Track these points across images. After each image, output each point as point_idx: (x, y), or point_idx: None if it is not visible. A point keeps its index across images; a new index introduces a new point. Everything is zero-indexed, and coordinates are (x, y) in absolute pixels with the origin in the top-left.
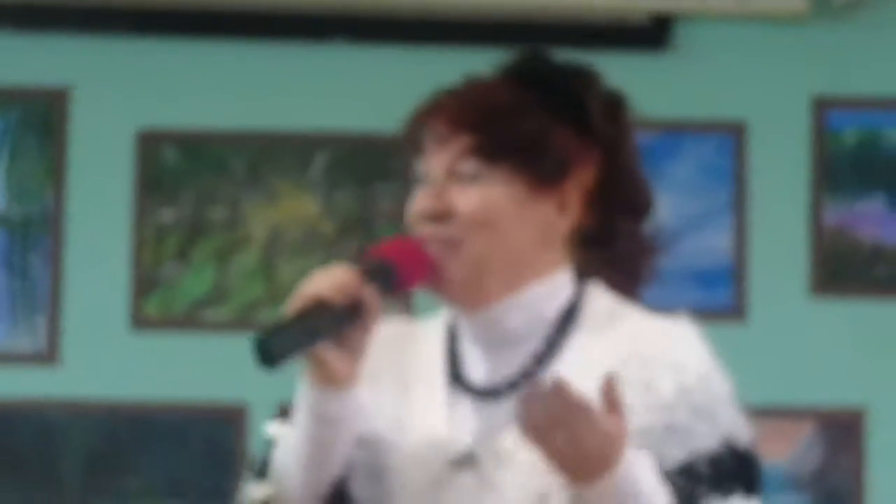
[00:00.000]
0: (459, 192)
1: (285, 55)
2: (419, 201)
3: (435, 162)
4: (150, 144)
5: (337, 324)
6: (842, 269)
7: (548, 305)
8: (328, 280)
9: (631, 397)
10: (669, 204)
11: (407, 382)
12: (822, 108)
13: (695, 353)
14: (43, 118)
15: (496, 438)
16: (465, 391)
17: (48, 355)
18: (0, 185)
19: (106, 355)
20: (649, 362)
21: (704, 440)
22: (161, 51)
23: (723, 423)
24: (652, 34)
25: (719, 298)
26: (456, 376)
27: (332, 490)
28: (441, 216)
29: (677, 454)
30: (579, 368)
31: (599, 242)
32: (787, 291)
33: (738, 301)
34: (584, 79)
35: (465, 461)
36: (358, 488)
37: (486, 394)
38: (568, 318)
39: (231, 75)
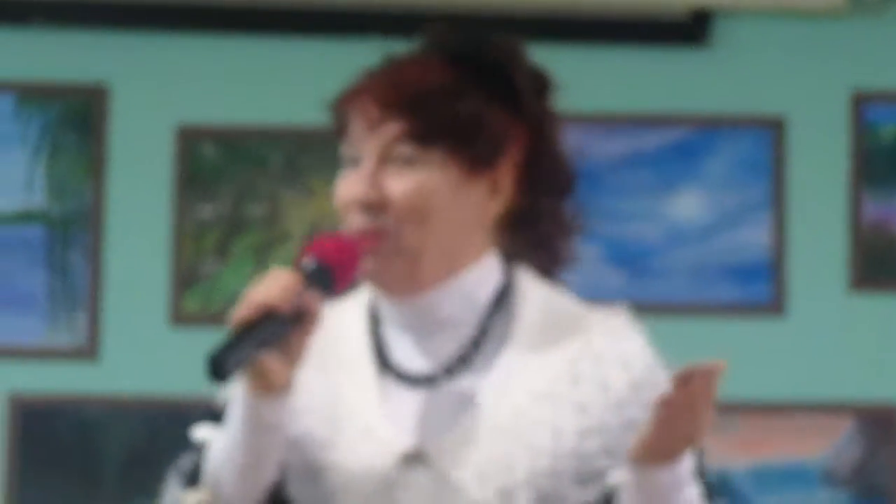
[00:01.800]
0: (393, 179)
1: (324, 51)
2: (351, 187)
3: (366, 146)
4: (189, 140)
5: (282, 331)
6: (881, 264)
7: (480, 290)
8: (274, 286)
9: (588, 394)
10: (707, 199)
11: (331, 372)
12: (861, 102)
13: (639, 347)
14: (82, 115)
15: (446, 433)
16: (397, 379)
17: (88, 351)
18: (39, 182)
19: (146, 351)
20: (602, 359)
21: None
22: (199, 47)
23: None
24: (690, 29)
25: (758, 294)
26: (384, 363)
27: (268, 496)
28: (374, 205)
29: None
30: (529, 364)
31: (524, 223)
32: (826, 286)
33: (777, 296)
34: (512, 56)
35: (415, 458)
36: (295, 490)
37: (422, 382)
38: (500, 303)
39: (270, 71)
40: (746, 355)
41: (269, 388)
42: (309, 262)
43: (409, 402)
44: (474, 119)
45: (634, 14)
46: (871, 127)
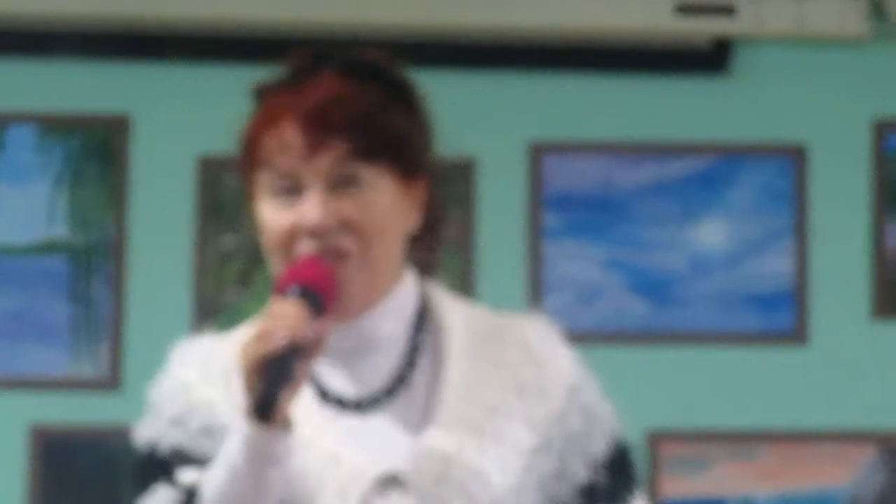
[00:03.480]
0: (347, 201)
1: None
2: (304, 213)
3: (307, 170)
4: (211, 170)
5: (297, 362)
6: None
7: (408, 306)
8: (292, 318)
9: (533, 406)
10: (730, 227)
11: None
12: (883, 130)
13: (567, 351)
14: (104, 145)
15: (412, 453)
16: (338, 406)
17: (110, 382)
18: (62, 213)
19: None
20: (541, 364)
21: (598, 445)
22: (221, 77)
23: (605, 419)
24: (711, 58)
25: (780, 322)
26: (321, 392)
27: None
28: (332, 229)
29: (580, 470)
30: (472, 376)
31: (419, 242)
32: (849, 315)
33: (800, 325)
34: (399, 69)
35: (391, 481)
36: None
37: (364, 405)
38: (422, 319)
39: None
40: (769, 384)
41: (279, 420)
42: (294, 289)
43: (356, 427)
44: (405, 131)
45: (656, 43)
46: (892, 154)
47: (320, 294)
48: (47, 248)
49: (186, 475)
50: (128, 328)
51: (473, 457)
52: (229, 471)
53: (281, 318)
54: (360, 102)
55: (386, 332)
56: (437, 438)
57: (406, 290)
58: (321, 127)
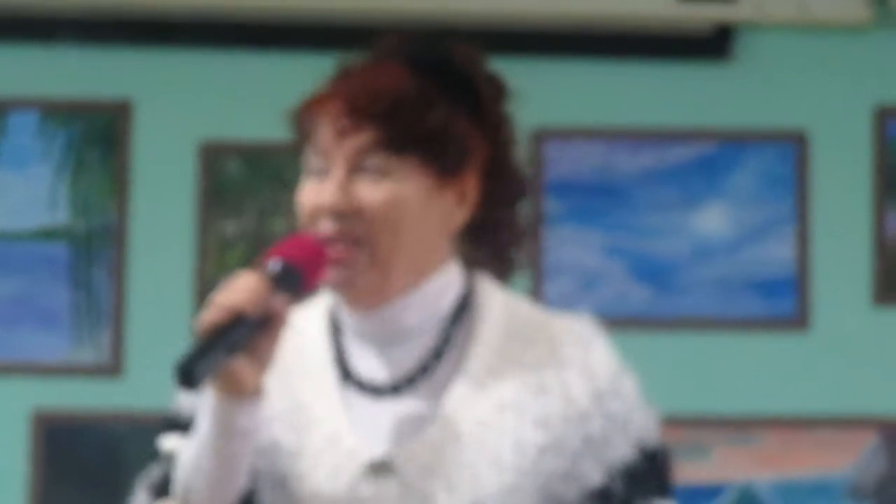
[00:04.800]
0: (366, 188)
1: None
2: (322, 194)
3: (336, 154)
4: (213, 156)
5: (251, 335)
6: None
7: (443, 299)
8: (243, 290)
9: (551, 406)
10: (731, 214)
11: (292, 379)
12: (885, 117)
13: (603, 355)
14: (106, 131)
15: (412, 443)
16: (359, 389)
17: (112, 368)
18: (63, 199)
19: (170, 367)
20: (566, 367)
21: (620, 451)
22: (223, 63)
23: (635, 427)
24: (713, 44)
25: (782, 308)
26: (345, 373)
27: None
28: (347, 213)
29: (594, 473)
30: (493, 373)
31: (481, 232)
32: (850, 301)
33: (801, 311)
34: (473, 62)
35: (382, 468)
36: (267, 498)
37: (385, 392)
38: (461, 311)
39: (294, 87)
40: (771, 369)
41: (241, 393)
42: (275, 263)
43: (372, 412)
44: (444, 128)
45: (658, 29)
46: (894, 141)
47: (299, 272)
48: (48, 234)
49: (167, 442)
50: (129, 314)
51: (466, 451)
52: (198, 442)
53: (232, 289)
54: (401, 93)
55: (411, 322)
56: (433, 429)
57: (442, 284)
58: (355, 112)
